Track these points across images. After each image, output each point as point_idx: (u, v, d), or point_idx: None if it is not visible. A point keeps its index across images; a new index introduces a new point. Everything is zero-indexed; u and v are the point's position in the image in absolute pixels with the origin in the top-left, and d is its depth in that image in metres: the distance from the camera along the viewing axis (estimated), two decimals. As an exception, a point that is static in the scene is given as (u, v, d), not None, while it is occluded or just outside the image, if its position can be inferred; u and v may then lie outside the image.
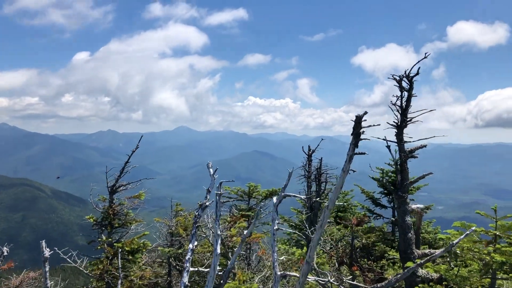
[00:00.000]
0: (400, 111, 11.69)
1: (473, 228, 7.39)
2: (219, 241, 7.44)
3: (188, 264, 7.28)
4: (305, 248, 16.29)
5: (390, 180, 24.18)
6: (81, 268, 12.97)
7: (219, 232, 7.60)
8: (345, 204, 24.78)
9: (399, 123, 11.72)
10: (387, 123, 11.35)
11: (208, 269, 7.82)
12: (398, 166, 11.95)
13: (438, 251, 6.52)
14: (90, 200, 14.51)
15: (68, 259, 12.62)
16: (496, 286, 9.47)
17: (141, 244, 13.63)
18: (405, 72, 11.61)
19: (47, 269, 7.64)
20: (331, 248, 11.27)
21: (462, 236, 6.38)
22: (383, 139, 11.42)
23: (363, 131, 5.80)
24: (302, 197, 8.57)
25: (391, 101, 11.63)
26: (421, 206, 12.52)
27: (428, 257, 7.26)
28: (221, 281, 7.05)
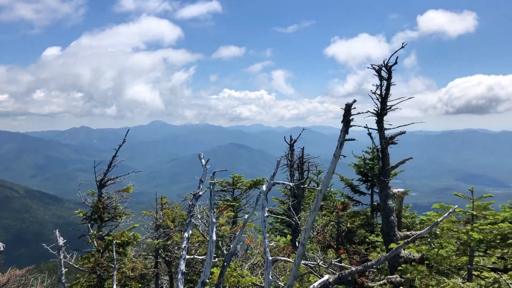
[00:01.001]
0: (380, 100, 12.13)
1: (455, 207, 7.85)
2: (214, 229, 7.71)
3: (184, 252, 7.53)
4: (289, 236, 16.76)
5: (368, 167, 24.88)
6: (71, 263, 13.04)
7: (214, 220, 7.86)
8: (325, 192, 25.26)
9: (379, 111, 12.16)
10: (368, 111, 11.77)
11: (203, 257, 8.08)
12: (379, 153, 12.42)
13: (422, 231, 6.93)
14: (79, 195, 14.53)
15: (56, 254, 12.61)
16: (473, 263, 10.04)
17: (131, 237, 13.76)
18: (384, 61, 12.04)
19: (61, 257, 7.79)
20: (318, 233, 11.70)
21: (445, 214, 6.80)
22: (365, 127, 11.84)
23: (352, 118, 6.13)
24: (291, 184, 8.91)
25: (371, 90, 12.06)
26: (402, 190, 13.04)
27: (412, 237, 7.69)
28: (224, 264, 7.30)
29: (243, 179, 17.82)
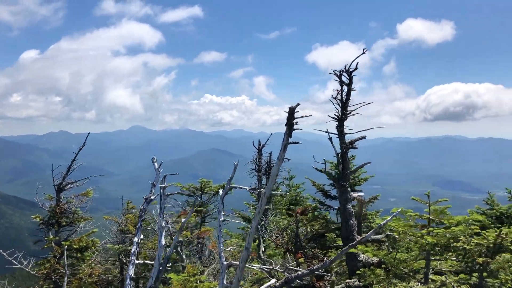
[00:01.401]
0: (340, 105, 12.21)
1: (399, 210, 7.92)
2: (163, 233, 7.61)
3: (133, 257, 7.41)
4: (257, 241, 16.71)
5: (338, 172, 25.07)
6: (27, 269, 12.71)
7: (163, 224, 7.77)
8: (296, 197, 25.37)
9: (339, 116, 12.23)
10: (329, 116, 11.84)
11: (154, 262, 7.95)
12: (339, 157, 12.49)
13: (368, 234, 6.97)
14: (36, 200, 14.20)
15: (14, 261, 12.33)
16: (430, 267, 10.14)
17: (90, 242, 13.49)
18: (345, 67, 12.13)
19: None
20: (276, 237, 11.67)
21: (389, 218, 6.86)
22: (325, 132, 11.90)
23: (296, 122, 6.14)
24: (247, 188, 8.87)
25: (332, 95, 12.14)
26: (362, 194, 13.11)
27: (358, 240, 7.74)
28: (160, 268, 7.20)
29: (211, 184, 17.71)
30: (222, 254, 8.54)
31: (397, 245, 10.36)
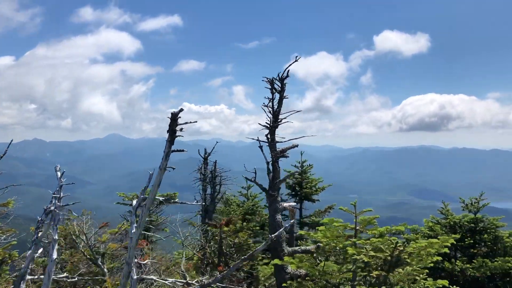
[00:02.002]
0: (272, 112, 11.97)
1: (291, 222, 7.66)
2: (56, 246, 7.16)
3: (25, 272, 6.95)
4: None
5: (295, 181, 24.94)
6: None
7: (56, 237, 7.32)
8: (253, 206, 25.07)
9: (271, 124, 11.99)
10: (259, 124, 11.58)
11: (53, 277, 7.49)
12: (269, 166, 12.23)
13: (259, 248, 6.69)
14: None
15: None
16: (356, 278, 9.90)
17: (7, 255, 12.83)
18: (278, 74, 11.91)
19: None
20: (200, 249, 11.25)
21: (280, 229, 6.56)
22: (256, 139, 11.62)
23: (182, 128, 5.82)
24: (161, 198, 8.50)
25: (263, 103, 11.89)
26: (293, 204, 12.86)
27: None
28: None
29: (157, 194, 17.17)
30: (133, 268, 8.13)
31: (324, 256, 10.11)
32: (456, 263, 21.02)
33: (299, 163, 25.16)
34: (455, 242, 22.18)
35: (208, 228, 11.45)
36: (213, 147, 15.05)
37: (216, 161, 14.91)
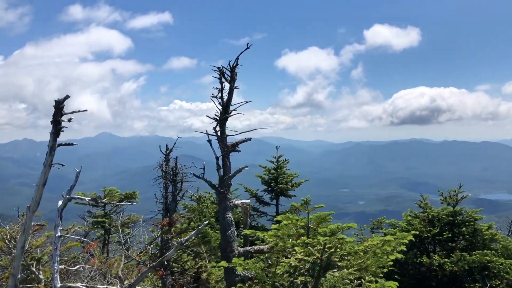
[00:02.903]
0: (221, 104, 11.24)
1: (205, 223, 6.99)
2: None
3: None
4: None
5: (271, 177, 24.27)
6: None
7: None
8: (228, 204, 24.34)
9: (220, 116, 11.25)
10: (207, 116, 10.85)
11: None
12: (218, 161, 11.50)
13: (169, 252, 5.99)
14: None
15: None
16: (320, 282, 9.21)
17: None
18: (229, 63, 11.16)
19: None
20: (141, 252, 10.49)
21: (192, 233, 5.89)
22: (204, 133, 10.89)
23: (70, 119, 5.09)
24: (87, 198, 7.78)
25: (212, 94, 11.13)
26: (247, 201, 12.15)
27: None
28: None
29: (115, 192, 16.45)
30: (56, 275, 7.42)
31: (276, 257, 9.40)
32: (434, 257, 20.53)
33: (275, 158, 24.49)
34: (418, 237, 21.71)
35: (150, 229, 10.70)
36: (174, 143, 14.22)
37: (177, 157, 14.17)
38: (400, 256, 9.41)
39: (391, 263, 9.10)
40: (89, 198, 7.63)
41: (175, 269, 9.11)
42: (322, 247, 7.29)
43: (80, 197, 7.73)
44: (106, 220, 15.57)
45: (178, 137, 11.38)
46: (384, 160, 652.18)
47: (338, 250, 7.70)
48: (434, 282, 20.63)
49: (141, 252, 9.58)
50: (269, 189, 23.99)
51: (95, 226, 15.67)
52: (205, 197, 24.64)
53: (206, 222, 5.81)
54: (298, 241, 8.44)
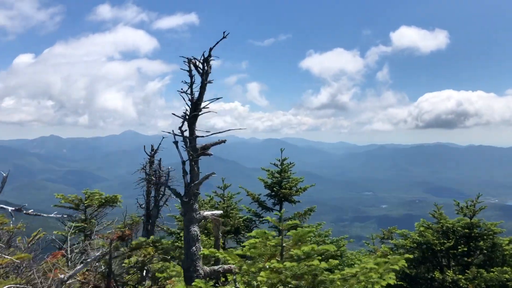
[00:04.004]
0: (190, 100, 9.91)
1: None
2: None
3: None
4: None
5: (274, 181, 22.84)
6: None
7: None
8: (227, 208, 23.08)
9: (189, 115, 9.92)
10: (173, 114, 9.56)
11: None
12: (185, 166, 10.17)
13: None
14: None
15: None
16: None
17: None
18: (203, 54, 9.82)
19: None
20: (87, 270, 9.26)
21: (78, 268, 4.65)
22: (170, 133, 9.61)
23: None
24: (10, 208, 6.64)
25: (181, 88, 9.79)
26: (218, 212, 10.74)
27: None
28: None
29: (97, 195, 15.38)
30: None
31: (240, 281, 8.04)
32: (448, 272, 18.82)
33: (279, 160, 23.06)
34: (431, 250, 19.98)
35: (100, 243, 9.58)
36: (160, 143, 13.02)
37: (160, 159, 13.00)
38: (393, 281, 8.00)
39: (382, 290, 7.68)
40: (12, 208, 6.49)
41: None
42: (288, 276, 5.91)
43: (2, 206, 6.61)
44: (86, 226, 14.53)
45: (175, 142, 10.11)
46: (408, 164, 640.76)
47: (306, 277, 6.35)
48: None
49: (87, 270, 8.46)
50: (272, 193, 22.59)
51: (73, 232, 14.62)
52: (203, 200, 23.45)
53: (99, 254, 4.60)
54: (267, 264, 7.10)
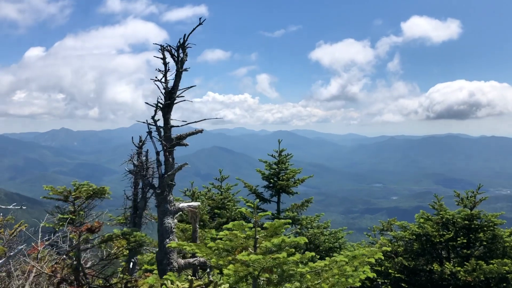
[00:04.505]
0: (165, 89, 9.64)
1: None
2: None
3: None
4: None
5: (272, 172, 22.55)
6: None
7: None
8: (224, 200, 22.91)
9: (163, 103, 9.64)
10: (146, 103, 9.30)
11: None
12: (159, 157, 9.92)
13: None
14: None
15: None
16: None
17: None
18: (179, 40, 9.51)
19: None
20: (56, 263, 9.02)
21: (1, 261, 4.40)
22: (144, 122, 9.36)
23: None
24: None
25: (156, 77, 9.51)
26: (195, 204, 10.50)
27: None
28: None
29: (86, 187, 15.23)
30: None
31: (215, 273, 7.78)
32: (446, 265, 18.46)
33: (277, 151, 22.76)
34: (430, 242, 19.64)
35: (71, 235, 9.27)
36: (147, 135, 12.60)
37: (148, 150, 12.79)
38: (372, 274, 7.70)
39: (359, 284, 7.39)
40: None
41: (96, 283, 7.79)
42: (256, 269, 5.59)
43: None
44: (74, 217, 14.43)
45: (149, 132, 9.85)
46: (419, 155, 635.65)
47: (274, 270, 6.09)
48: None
49: (56, 263, 8.30)
50: (270, 185, 22.33)
51: (61, 224, 14.52)
52: (200, 192, 23.28)
53: (21, 247, 4.40)
54: (239, 256, 6.84)
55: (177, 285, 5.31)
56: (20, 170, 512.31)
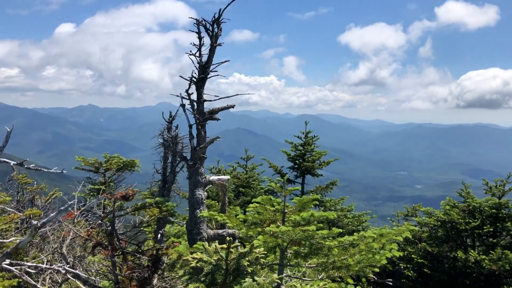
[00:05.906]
0: (199, 63, 9.73)
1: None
2: None
3: None
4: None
5: (297, 154, 22.61)
6: None
7: None
8: (249, 179, 23.14)
9: (197, 78, 9.75)
10: (180, 76, 9.40)
11: None
12: (191, 130, 10.07)
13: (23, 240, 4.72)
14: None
15: None
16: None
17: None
18: (214, 15, 9.56)
19: None
20: (92, 227, 9.38)
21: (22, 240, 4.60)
22: (178, 96, 9.48)
23: None
24: (12, 162, 6.75)
25: (190, 51, 9.62)
26: (225, 177, 10.65)
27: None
28: None
29: (117, 159, 15.60)
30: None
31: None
32: (470, 252, 18.32)
33: (303, 133, 22.77)
34: (455, 229, 19.45)
35: (104, 201, 9.59)
36: (177, 110, 12.81)
37: (178, 125, 12.96)
38: (399, 253, 7.76)
39: (385, 262, 7.47)
40: (14, 162, 6.61)
41: (129, 249, 8.08)
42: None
43: (5, 160, 6.72)
44: (105, 188, 14.87)
45: (182, 105, 10.02)
46: (446, 144, 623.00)
47: (303, 242, 6.22)
48: (469, 280, 18.41)
49: (92, 228, 8.62)
50: (295, 166, 22.43)
51: (92, 194, 14.98)
52: (226, 170, 23.56)
53: (65, 206, 4.61)
54: (268, 228, 6.99)
55: (215, 245, 5.48)
56: (49, 144, 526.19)
